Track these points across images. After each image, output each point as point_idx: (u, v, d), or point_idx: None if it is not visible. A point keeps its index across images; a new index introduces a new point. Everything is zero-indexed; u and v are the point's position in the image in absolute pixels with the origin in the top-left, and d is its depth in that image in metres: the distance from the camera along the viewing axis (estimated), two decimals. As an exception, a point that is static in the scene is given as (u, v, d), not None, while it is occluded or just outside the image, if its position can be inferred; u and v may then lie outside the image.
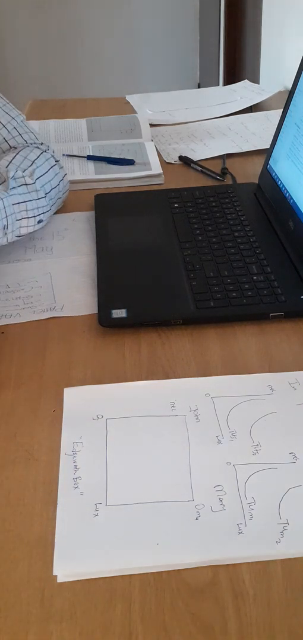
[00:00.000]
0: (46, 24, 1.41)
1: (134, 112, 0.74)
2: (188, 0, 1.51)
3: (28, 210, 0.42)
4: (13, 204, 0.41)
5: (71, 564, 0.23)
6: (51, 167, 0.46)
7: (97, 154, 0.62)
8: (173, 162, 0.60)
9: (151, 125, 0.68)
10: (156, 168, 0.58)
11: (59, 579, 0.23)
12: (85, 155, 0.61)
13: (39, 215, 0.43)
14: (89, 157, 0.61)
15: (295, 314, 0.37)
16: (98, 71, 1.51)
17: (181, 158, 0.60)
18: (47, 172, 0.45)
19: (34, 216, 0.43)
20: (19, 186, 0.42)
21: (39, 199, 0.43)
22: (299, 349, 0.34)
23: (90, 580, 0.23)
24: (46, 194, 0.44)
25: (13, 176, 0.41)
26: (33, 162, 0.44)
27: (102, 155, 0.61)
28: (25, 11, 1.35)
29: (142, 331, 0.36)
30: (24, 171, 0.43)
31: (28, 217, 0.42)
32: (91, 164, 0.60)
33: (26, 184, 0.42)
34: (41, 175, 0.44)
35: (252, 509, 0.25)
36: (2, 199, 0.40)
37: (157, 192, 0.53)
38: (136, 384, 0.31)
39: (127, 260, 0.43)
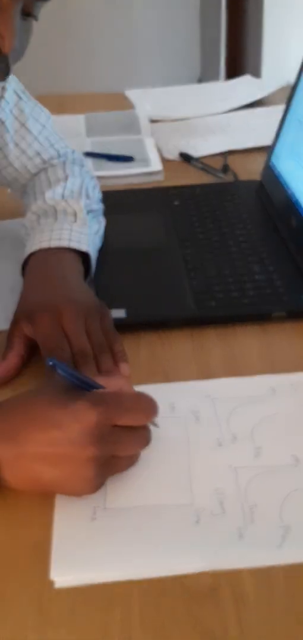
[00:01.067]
0: (44, 18, 1.38)
1: (133, 107, 0.73)
2: (189, -7, 1.49)
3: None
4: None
5: (68, 568, 0.23)
6: (91, 178, 0.44)
7: (96, 150, 0.61)
8: (173, 158, 0.59)
9: (151, 121, 0.68)
10: (156, 165, 0.57)
11: (57, 585, 0.22)
12: (83, 151, 0.60)
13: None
14: (88, 154, 0.60)
15: (298, 314, 0.36)
16: (97, 65, 1.49)
17: (181, 155, 0.60)
18: (94, 186, 0.43)
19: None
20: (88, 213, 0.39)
21: (98, 216, 0.42)
22: (301, 350, 0.34)
23: (88, 585, 0.22)
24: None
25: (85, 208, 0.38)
26: (82, 179, 0.41)
27: (101, 151, 0.60)
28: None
29: (142, 331, 0.35)
30: (87, 196, 0.40)
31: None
32: (89, 161, 0.59)
33: (92, 210, 0.41)
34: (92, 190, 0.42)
35: (253, 513, 0.25)
36: (100, 223, 0.41)
37: (157, 190, 0.52)
38: (135, 387, 0.31)
39: (126, 259, 0.42)
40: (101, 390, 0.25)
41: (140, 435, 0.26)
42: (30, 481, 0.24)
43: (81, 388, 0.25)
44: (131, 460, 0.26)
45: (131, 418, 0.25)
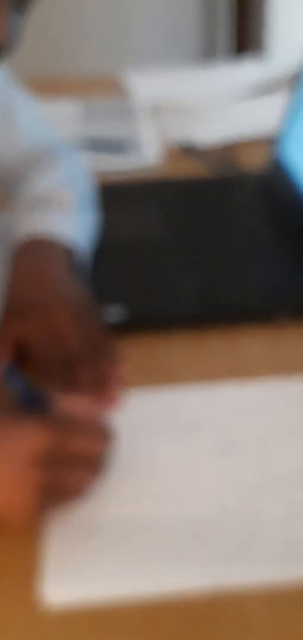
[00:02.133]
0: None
1: (130, 93, 0.68)
2: None
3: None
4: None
5: (62, 587, 0.22)
6: (82, 169, 0.42)
7: (90, 139, 0.58)
8: (173, 149, 0.57)
9: (150, 108, 0.64)
10: (155, 157, 0.54)
11: (49, 604, 0.22)
12: (77, 140, 0.57)
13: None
14: (81, 143, 0.57)
15: (302, 315, 0.35)
16: (89, 45, 1.35)
17: (182, 145, 0.57)
18: (85, 176, 0.41)
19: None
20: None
21: (89, 207, 0.40)
22: (305, 352, 0.33)
23: (83, 606, 0.21)
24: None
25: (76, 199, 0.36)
26: (72, 170, 0.40)
27: (95, 141, 0.57)
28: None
29: (141, 332, 0.34)
30: (78, 187, 0.38)
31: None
32: (82, 151, 0.56)
33: (83, 202, 0.39)
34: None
35: (256, 526, 0.24)
36: (92, 216, 0.38)
37: (155, 183, 0.50)
38: (133, 391, 0.30)
39: (124, 257, 0.40)
40: (53, 413, 0.24)
41: (92, 465, 0.24)
42: None
43: (32, 405, 0.23)
44: (80, 492, 0.24)
45: (80, 444, 0.23)
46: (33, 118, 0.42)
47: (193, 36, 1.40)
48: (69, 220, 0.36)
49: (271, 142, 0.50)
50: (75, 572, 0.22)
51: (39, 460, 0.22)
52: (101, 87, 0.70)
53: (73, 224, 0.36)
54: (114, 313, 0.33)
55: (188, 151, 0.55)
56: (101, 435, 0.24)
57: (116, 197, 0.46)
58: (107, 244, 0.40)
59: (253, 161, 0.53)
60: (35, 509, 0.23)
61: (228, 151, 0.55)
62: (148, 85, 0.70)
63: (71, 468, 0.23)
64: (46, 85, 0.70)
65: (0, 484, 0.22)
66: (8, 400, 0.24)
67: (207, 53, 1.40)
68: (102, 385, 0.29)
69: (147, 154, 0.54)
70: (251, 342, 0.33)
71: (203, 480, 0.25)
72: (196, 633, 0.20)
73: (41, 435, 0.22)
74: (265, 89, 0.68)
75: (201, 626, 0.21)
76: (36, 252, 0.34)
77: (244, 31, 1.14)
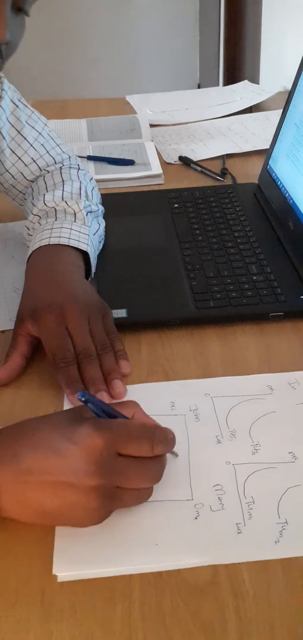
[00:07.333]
0: (46, 25, 1.41)
1: (134, 112, 0.74)
2: (188, 1, 1.51)
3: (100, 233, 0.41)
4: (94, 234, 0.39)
5: (70, 563, 0.23)
6: (90, 180, 0.43)
7: (97, 154, 0.62)
8: (173, 162, 0.60)
9: (151, 125, 0.69)
10: (156, 168, 0.58)
11: (59, 579, 0.23)
12: (85, 155, 0.61)
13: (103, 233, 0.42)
14: (90, 158, 0.61)
15: (295, 314, 0.37)
16: (98, 71, 1.50)
17: (181, 158, 0.60)
18: (93, 188, 0.43)
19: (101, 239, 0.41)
20: (88, 213, 0.39)
21: (98, 217, 0.41)
22: (299, 349, 0.35)
23: (90, 579, 0.23)
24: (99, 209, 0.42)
25: (85, 208, 0.38)
26: (80, 182, 0.41)
27: (102, 155, 0.61)
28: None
29: (142, 331, 0.36)
30: (86, 198, 0.40)
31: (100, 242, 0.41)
32: (91, 164, 0.60)
33: (92, 211, 0.40)
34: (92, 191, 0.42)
35: (251, 509, 0.25)
36: (100, 224, 0.40)
37: (157, 193, 0.53)
38: (136, 386, 0.31)
39: (127, 260, 0.43)
40: (111, 419, 0.24)
41: (149, 468, 0.24)
42: (31, 511, 0.23)
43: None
44: (139, 495, 0.24)
45: (137, 448, 0.23)
46: (40, 135, 0.44)
47: (191, 65, 1.51)
48: (79, 229, 0.37)
49: (262, 156, 0.54)
50: (83, 550, 0.23)
51: (96, 465, 0.22)
52: (110, 108, 0.76)
53: (83, 233, 0.37)
54: (118, 313, 0.35)
55: (186, 164, 0.58)
56: (155, 438, 0.23)
57: (121, 207, 0.49)
58: (110, 249, 0.42)
59: (246, 173, 0.56)
60: (98, 512, 0.23)
61: (223, 164, 0.58)
62: (151, 106, 0.75)
63: (128, 471, 0.23)
64: (62, 105, 0.77)
65: (64, 495, 0.22)
66: (60, 413, 0.24)
67: (203, 79, 1.49)
68: (110, 379, 0.30)
69: (150, 167, 0.57)
70: (245, 340, 0.35)
71: (201, 467, 0.26)
72: (196, 606, 0.21)
73: (96, 441, 0.22)
74: (256, 110, 0.72)
75: (201, 600, 0.21)
76: (49, 256, 0.36)
77: (237, 59, 1.22)
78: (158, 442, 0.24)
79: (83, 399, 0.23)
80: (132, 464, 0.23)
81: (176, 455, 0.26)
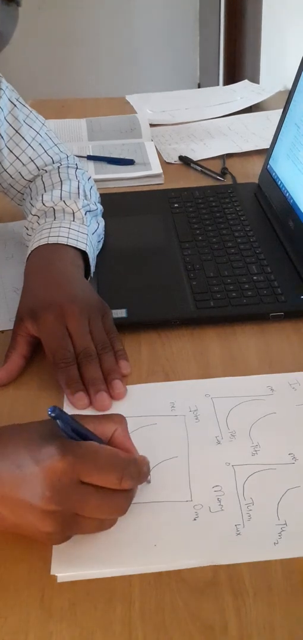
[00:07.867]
0: (46, 25, 1.41)
1: (134, 112, 0.74)
2: (188, 1, 1.51)
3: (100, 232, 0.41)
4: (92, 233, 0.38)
5: (69, 564, 0.23)
6: (88, 180, 0.43)
7: (97, 153, 0.62)
8: (173, 162, 0.60)
9: (151, 125, 0.68)
10: (156, 168, 0.58)
11: (59, 579, 0.23)
12: (85, 155, 0.61)
13: (102, 231, 0.42)
14: (90, 157, 0.61)
15: (295, 314, 0.37)
16: (98, 71, 1.51)
17: (181, 158, 0.60)
18: (91, 187, 0.43)
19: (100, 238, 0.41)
20: (87, 212, 0.38)
21: (97, 216, 0.41)
22: (299, 349, 0.34)
23: (90, 580, 0.23)
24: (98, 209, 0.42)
25: (83, 206, 0.38)
26: (78, 181, 0.40)
27: (102, 155, 0.61)
28: (26, 11, 1.34)
29: (142, 331, 0.36)
30: (85, 197, 0.39)
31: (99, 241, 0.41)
32: (91, 164, 0.60)
33: (90, 210, 0.40)
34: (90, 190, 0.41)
35: (251, 510, 0.25)
36: (99, 223, 0.40)
37: (157, 192, 0.53)
38: (136, 386, 0.31)
39: (127, 260, 0.43)
40: (81, 442, 0.22)
41: (112, 500, 0.22)
42: None
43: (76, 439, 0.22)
44: (101, 524, 0.23)
45: (101, 478, 0.22)
46: (38, 135, 0.43)
47: (191, 64, 1.52)
48: (78, 229, 0.37)
49: (262, 155, 0.53)
50: (82, 550, 0.23)
51: (54, 489, 0.20)
52: (110, 107, 0.76)
53: (81, 232, 0.37)
54: (118, 313, 0.35)
55: (186, 164, 0.58)
56: (124, 470, 0.22)
57: (121, 206, 0.49)
58: (110, 249, 0.42)
59: (246, 172, 0.56)
60: (54, 536, 0.22)
61: (223, 164, 0.58)
62: (151, 106, 0.75)
63: (89, 500, 0.21)
64: (62, 104, 0.76)
65: (20, 513, 0.21)
66: (36, 425, 0.23)
67: (203, 78, 1.50)
68: (110, 379, 0.30)
69: (150, 167, 0.57)
70: (245, 340, 0.35)
71: (201, 468, 0.26)
72: (196, 607, 0.21)
73: (58, 463, 0.21)
74: (256, 109, 0.72)
75: (200, 600, 0.21)
76: (47, 255, 0.36)
77: (237, 59, 1.22)
78: (128, 477, 0.22)
79: (53, 414, 0.21)
80: (93, 494, 0.22)
81: (148, 482, 0.25)
